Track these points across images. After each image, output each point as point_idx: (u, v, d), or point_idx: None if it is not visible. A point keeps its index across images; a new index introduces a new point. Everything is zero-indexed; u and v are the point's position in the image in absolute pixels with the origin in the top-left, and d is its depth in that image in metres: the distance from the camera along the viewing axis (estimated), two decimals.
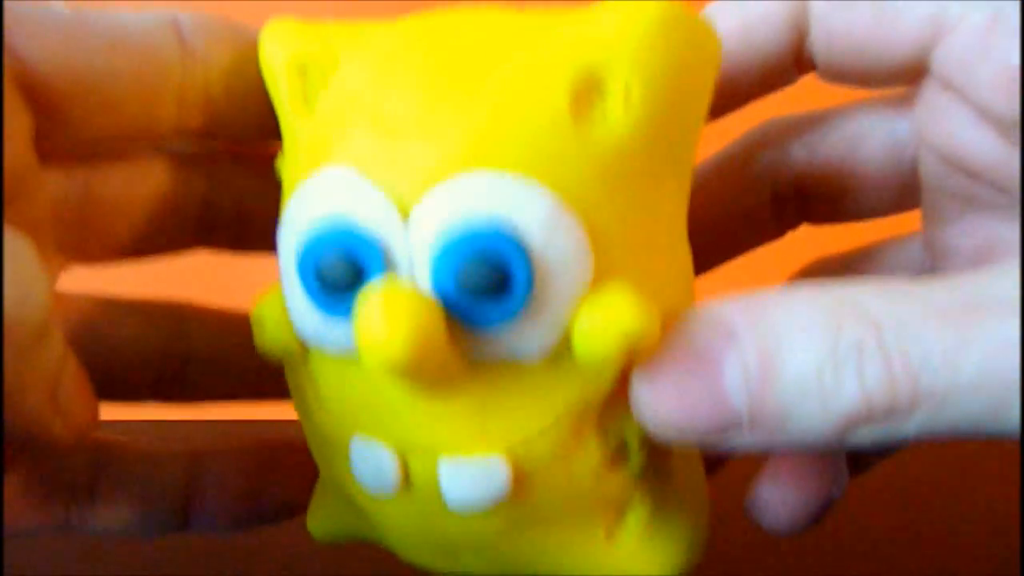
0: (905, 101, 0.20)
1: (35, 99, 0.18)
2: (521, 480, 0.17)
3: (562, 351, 0.16)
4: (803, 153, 0.21)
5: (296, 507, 0.22)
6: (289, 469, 0.23)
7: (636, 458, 0.18)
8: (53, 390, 0.18)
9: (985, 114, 0.17)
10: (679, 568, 0.18)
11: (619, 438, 0.17)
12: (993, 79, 0.17)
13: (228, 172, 0.22)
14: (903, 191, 0.20)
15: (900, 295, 0.15)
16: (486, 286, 0.15)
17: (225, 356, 0.23)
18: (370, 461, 0.17)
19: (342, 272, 0.16)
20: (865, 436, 0.15)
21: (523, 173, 0.16)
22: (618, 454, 0.18)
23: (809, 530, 0.20)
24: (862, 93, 0.20)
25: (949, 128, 0.18)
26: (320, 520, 0.21)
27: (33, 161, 0.19)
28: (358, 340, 0.15)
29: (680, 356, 0.16)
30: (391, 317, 0.15)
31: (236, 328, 0.23)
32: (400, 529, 0.18)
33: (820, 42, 0.19)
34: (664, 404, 0.16)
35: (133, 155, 0.21)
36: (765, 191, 0.22)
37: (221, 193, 0.22)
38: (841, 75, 0.19)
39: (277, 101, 0.19)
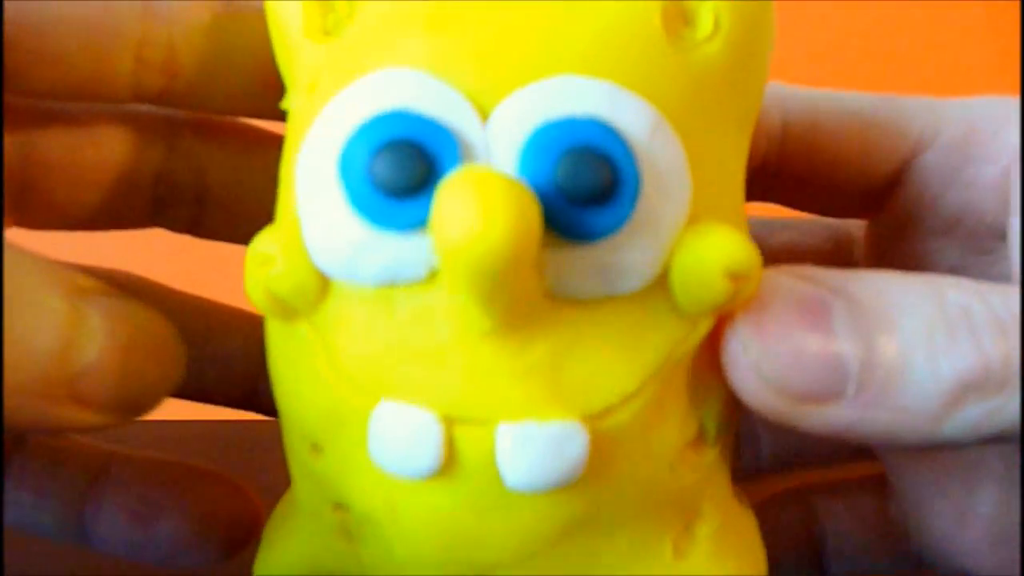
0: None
1: None
2: (596, 457, 0.13)
3: (655, 294, 0.14)
4: None
5: (193, 549, 0.19)
6: (193, 500, 0.19)
7: (711, 451, 0.15)
8: None
9: (957, 225, 0.18)
10: None
11: (698, 422, 0.15)
12: (981, 179, 0.17)
13: (189, 145, 0.20)
14: None
15: (988, 283, 0.15)
16: (593, 182, 0.12)
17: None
18: (403, 431, 0.13)
19: (409, 163, 0.13)
20: (972, 416, 0.14)
21: (621, 83, 0.14)
22: (695, 441, 0.15)
23: None
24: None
25: (911, 245, 0.19)
26: (276, 565, 0.17)
27: None
28: (441, 229, 0.12)
29: (786, 304, 0.14)
30: (488, 199, 0.12)
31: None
32: (423, 535, 0.14)
33: (795, 156, 0.18)
34: (773, 352, 0.14)
35: (84, 116, 0.19)
36: None
37: (179, 167, 0.20)
38: (807, 191, 0.19)
39: (281, 40, 0.16)
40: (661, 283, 0.14)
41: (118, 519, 0.18)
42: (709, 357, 0.14)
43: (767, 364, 0.14)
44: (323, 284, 0.14)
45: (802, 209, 0.19)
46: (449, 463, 0.13)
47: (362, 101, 0.14)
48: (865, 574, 0.19)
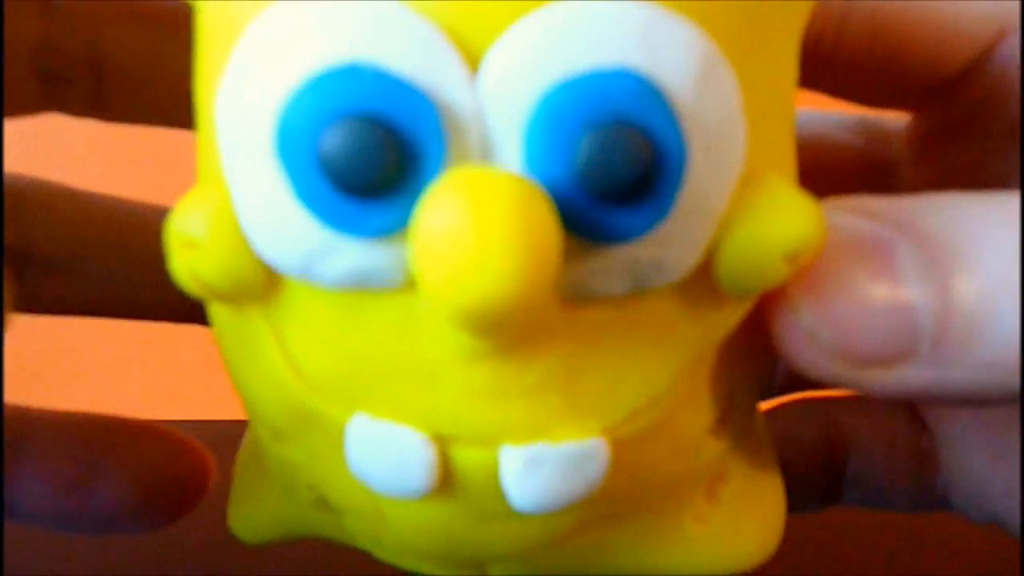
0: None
1: None
2: (616, 467, 0.11)
3: (693, 280, 0.11)
4: None
5: (136, 514, 0.17)
6: (133, 459, 0.17)
7: (739, 416, 0.13)
8: None
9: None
10: (772, 544, 0.14)
11: (729, 396, 0.13)
12: None
13: (73, 7, 0.15)
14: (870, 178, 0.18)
15: None
16: (626, 173, 0.09)
17: (81, 259, 0.17)
18: (389, 453, 0.11)
19: (375, 152, 0.09)
20: None
21: (664, 2, 0.10)
22: (724, 416, 0.13)
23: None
24: None
25: (967, 147, 0.16)
26: (248, 521, 0.15)
27: None
28: (423, 267, 0.09)
29: (842, 251, 0.12)
30: (487, 230, 0.09)
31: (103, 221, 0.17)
32: (415, 538, 0.12)
33: (854, 39, 0.15)
34: (830, 312, 0.12)
35: None
36: None
37: (64, 34, 0.16)
38: (861, 80, 0.16)
39: None
40: (702, 267, 0.11)
41: (45, 488, 0.16)
42: (744, 325, 0.12)
43: (825, 327, 0.12)
44: (269, 276, 0.11)
45: (851, 100, 0.16)
46: (445, 482, 0.11)
47: (302, 36, 0.10)
48: (881, 505, 0.18)
